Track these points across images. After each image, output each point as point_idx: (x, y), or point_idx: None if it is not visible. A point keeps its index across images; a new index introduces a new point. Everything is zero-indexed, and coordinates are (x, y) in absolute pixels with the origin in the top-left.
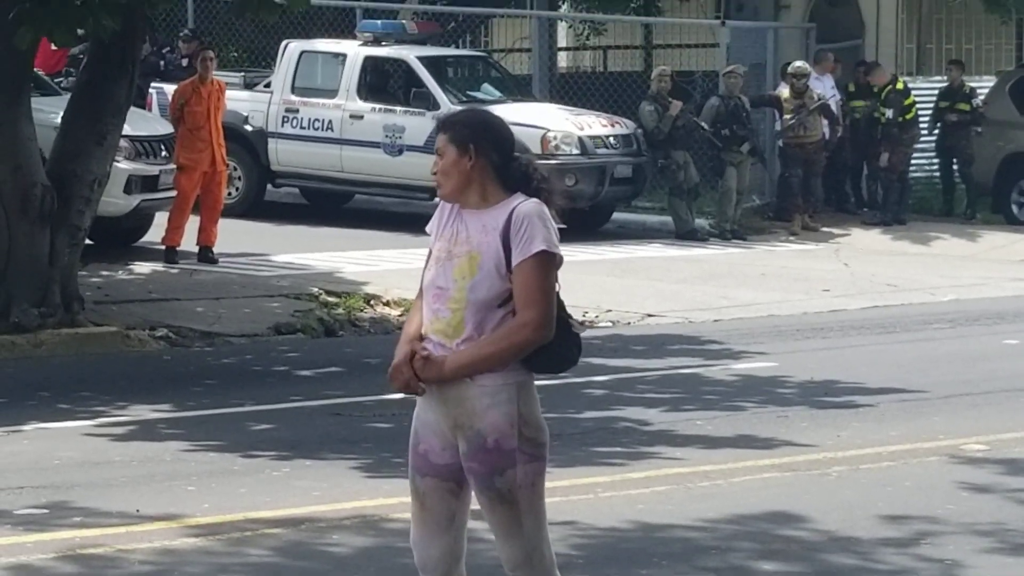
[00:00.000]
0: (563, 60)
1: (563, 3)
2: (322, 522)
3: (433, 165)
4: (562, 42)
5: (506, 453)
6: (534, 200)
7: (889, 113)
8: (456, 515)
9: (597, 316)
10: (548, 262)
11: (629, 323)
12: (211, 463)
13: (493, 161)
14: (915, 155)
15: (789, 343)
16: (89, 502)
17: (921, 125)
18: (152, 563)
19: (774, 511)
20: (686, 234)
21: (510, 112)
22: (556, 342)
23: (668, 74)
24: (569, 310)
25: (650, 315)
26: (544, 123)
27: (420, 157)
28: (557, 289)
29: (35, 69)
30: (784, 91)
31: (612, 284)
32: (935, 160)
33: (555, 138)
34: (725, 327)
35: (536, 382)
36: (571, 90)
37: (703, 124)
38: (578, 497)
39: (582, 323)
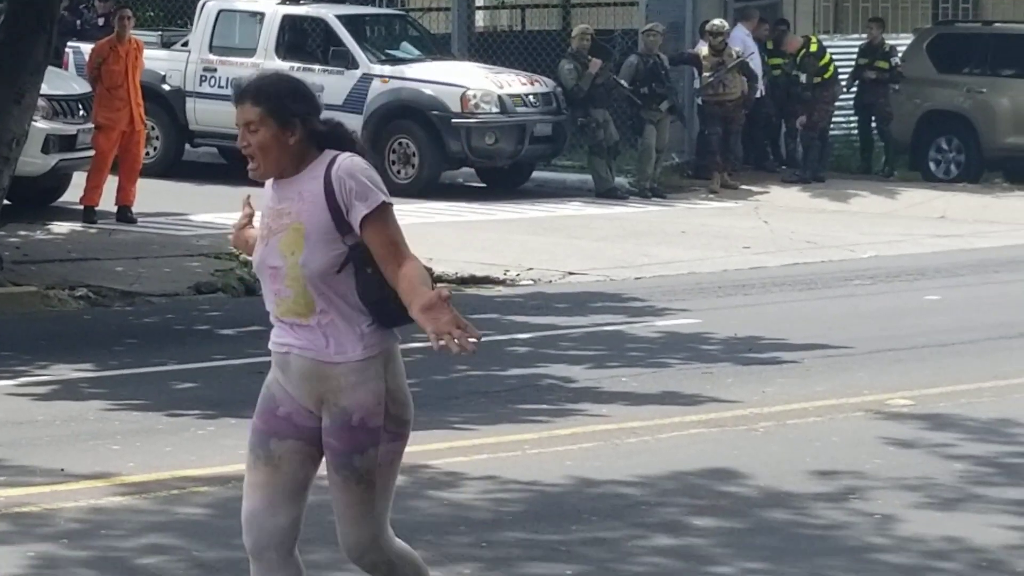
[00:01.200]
0: (481, 19)
1: None
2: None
3: (240, 139)
4: (480, 1)
5: (371, 431)
6: (344, 155)
7: (803, 77)
8: (308, 484)
9: (518, 274)
10: (389, 210)
11: (551, 281)
12: (136, 422)
13: (311, 130)
14: (834, 113)
15: (711, 300)
16: (14, 461)
17: (841, 82)
18: (81, 521)
19: (704, 467)
20: (606, 192)
21: (429, 71)
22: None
23: (589, 32)
24: (491, 268)
25: (571, 273)
26: (463, 82)
27: (340, 116)
28: None
29: None
30: (703, 49)
31: (533, 242)
32: (853, 118)
33: (475, 96)
34: (647, 284)
35: (405, 345)
36: (490, 49)
37: (622, 82)
38: (505, 454)
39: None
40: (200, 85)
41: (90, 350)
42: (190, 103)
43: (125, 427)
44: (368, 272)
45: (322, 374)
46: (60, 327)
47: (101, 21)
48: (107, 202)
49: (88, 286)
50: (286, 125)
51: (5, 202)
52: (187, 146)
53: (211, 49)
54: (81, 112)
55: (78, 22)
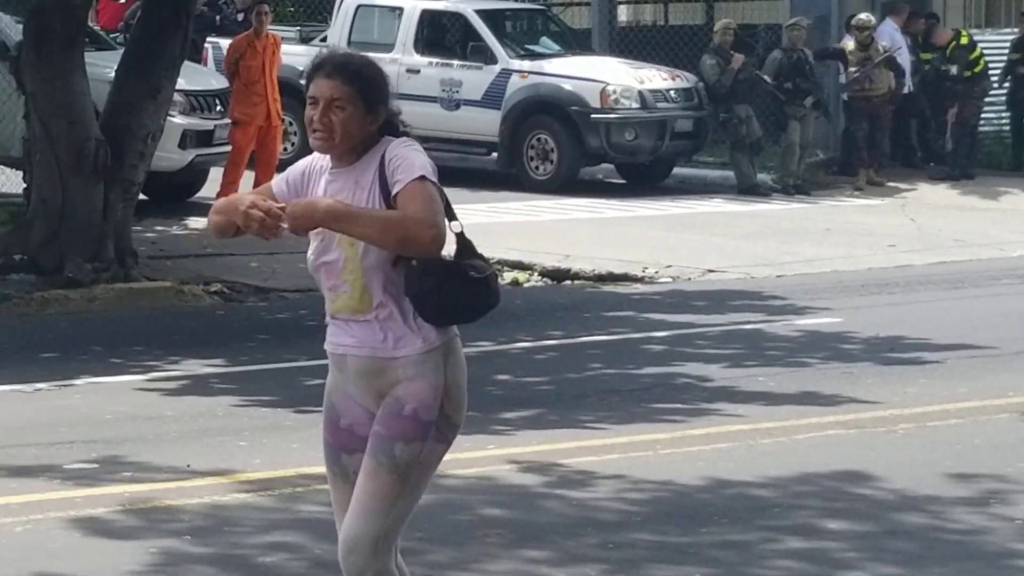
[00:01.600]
0: (623, 14)
1: None
2: None
3: (319, 114)
4: None
5: (422, 424)
6: (400, 139)
7: (954, 69)
8: None
9: (657, 272)
10: (428, 183)
11: (689, 279)
12: (263, 418)
13: (388, 118)
14: (984, 109)
15: (854, 299)
16: (140, 457)
17: (992, 78)
18: (204, 517)
19: (840, 469)
20: (748, 189)
21: (569, 66)
22: (452, 287)
23: (732, 27)
24: (629, 265)
25: (711, 271)
26: (604, 77)
27: (478, 112)
28: (460, 231)
29: (101, 27)
30: (849, 44)
31: (672, 239)
32: (1005, 114)
33: (615, 92)
34: (788, 283)
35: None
36: (631, 44)
37: (766, 77)
38: (637, 454)
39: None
40: None
41: (222, 345)
42: None
43: (253, 423)
44: (412, 264)
45: (380, 370)
46: (193, 322)
47: (240, 16)
48: None
49: (222, 281)
50: (371, 110)
51: (141, 197)
52: None
53: (349, 44)
54: (218, 107)
55: (217, 17)
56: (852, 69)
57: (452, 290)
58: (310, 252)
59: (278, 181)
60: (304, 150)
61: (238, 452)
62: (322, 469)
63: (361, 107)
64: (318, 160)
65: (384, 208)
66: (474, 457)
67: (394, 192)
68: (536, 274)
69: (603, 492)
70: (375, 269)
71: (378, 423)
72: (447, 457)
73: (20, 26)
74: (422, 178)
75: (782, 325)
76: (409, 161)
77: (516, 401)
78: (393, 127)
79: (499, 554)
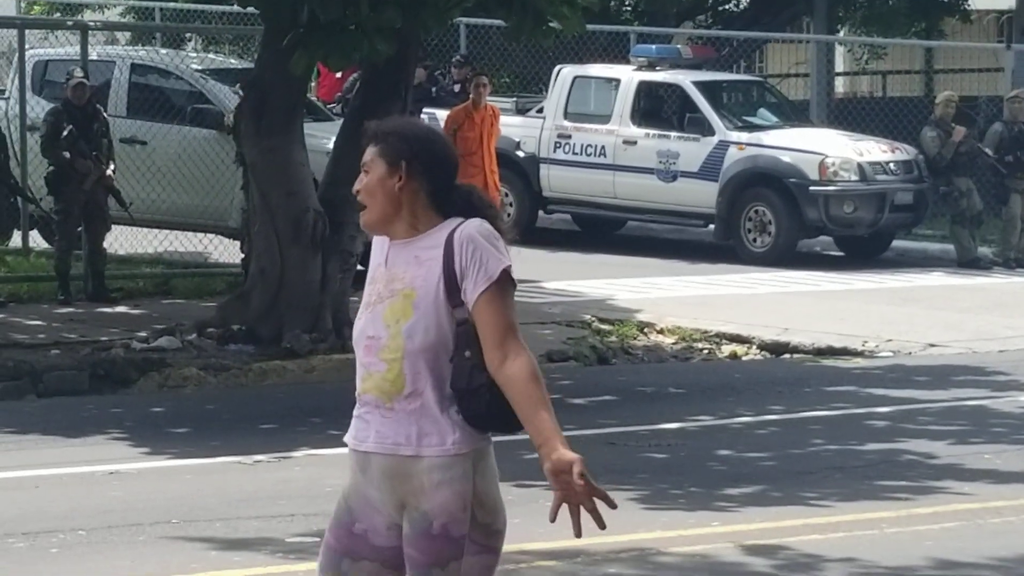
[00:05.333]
0: (840, 85)
1: (841, 28)
2: (596, 555)
3: (357, 182)
4: (840, 67)
5: (454, 541)
6: (474, 220)
7: None
8: None
9: (877, 346)
10: (510, 283)
11: (911, 353)
12: None
13: (427, 184)
14: None
15: None
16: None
17: None
18: None
19: None
20: (969, 262)
21: (787, 138)
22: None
23: (955, 99)
24: (849, 339)
25: (932, 345)
26: (822, 149)
27: (695, 183)
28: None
29: (319, 99)
30: None
31: (893, 313)
32: None
33: (833, 164)
34: (1011, 358)
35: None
36: (849, 115)
37: (987, 150)
38: (862, 532)
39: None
40: (554, 152)
41: None
42: (544, 169)
43: None
44: (466, 356)
45: (404, 472)
46: None
47: (457, 87)
48: None
49: None
50: (393, 169)
51: (359, 268)
52: (541, 212)
53: (566, 116)
54: None
55: (434, 89)
56: None
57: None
58: (356, 324)
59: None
60: (519, 221)
61: None
62: (542, 545)
63: (383, 164)
64: None
65: (443, 287)
66: (697, 535)
67: (474, 294)
68: (755, 347)
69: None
70: (417, 354)
71: (409, 544)
72: (670, 534)
73: (236, 97)
74: (503, 274)
75: (1007, 401)
76: (484, 254)
77: (738, 477)
78: (462, 205)
79: None
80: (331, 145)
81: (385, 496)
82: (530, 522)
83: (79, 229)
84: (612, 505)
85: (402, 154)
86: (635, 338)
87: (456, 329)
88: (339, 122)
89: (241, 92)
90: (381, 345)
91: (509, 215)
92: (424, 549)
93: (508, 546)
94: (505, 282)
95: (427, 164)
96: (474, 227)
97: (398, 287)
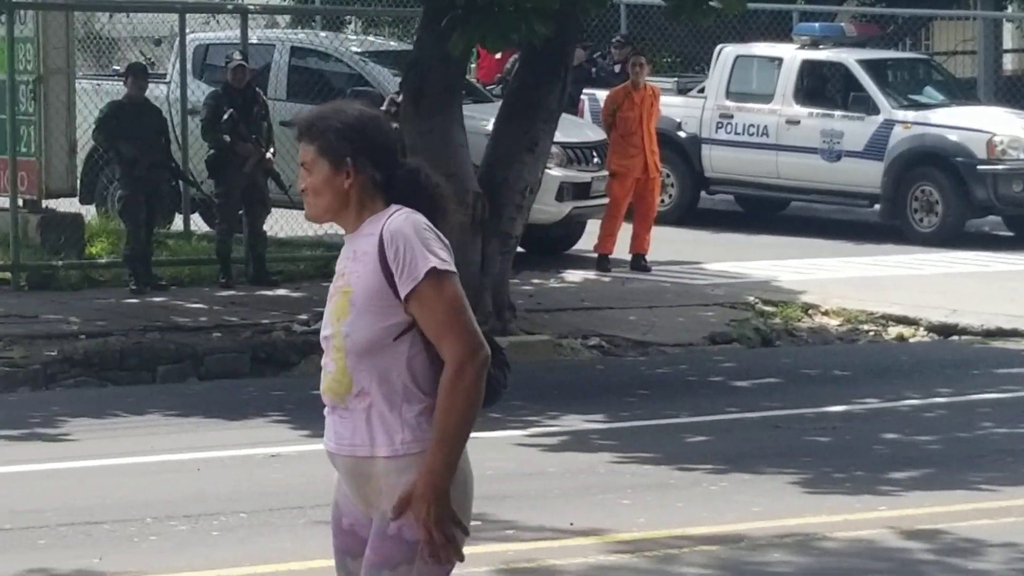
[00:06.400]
0: (1009, 62)
1: (1009, 4)
2: (760, 539)
3: (300, 180)
4: (1008, 44)
5: (407, 544)
6: (404, 211)
7: None
8: None
9: None
10: (443, 279)
11: None
12: (646, 476)
13: (374, 174)
14: None
15: None
16: (521, 514)
17: None
18: None
19: None
20: None
21: (954, 116)
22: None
23: None
24: (1019, 320)
25: None
26: (990, 127)
27: (860, 163)
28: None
29: (478, 80)
30: None
31: None
32: None
33: (1002, 142)
34: None
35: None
36: (1018, 93)
37: None
38: None
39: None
40: (716, 132)
41: (602, 400)
42: (706, 150)
43: (635, 480)
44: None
45: (363, 472)
46: (572, 376)
47: (617, 68)
48: (621, 250)
49: (601, 335)
50: (338, 167)
51: (518, 250)
52: (703, 193)
53: (728, 95)
54: (595, 159)
55: (593, 69)
56: None
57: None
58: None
59: None
60: (680, 202)
61: (621, 510)
62: (704, 530)
63: (326, 164)
64: None
65: (383, 282)
66: (862, 519)
67: (405, 293)
68: (922, 329)
69: (996, 561)
70: (358, 349)
71: (368, 546)
72: (835, 518)
73: (396, 79)
74: (431, 272)
75: None
76: (410, 252)
77: (905, 461)
78: (401, 189)
79: None
80: (490, 127)
81: (353, 494)
82: (693, 506)
83: (240, 212)
84: (460, 557)
85: (345, 151)
86: (799, 320)
87: (414, 323)
88: (498, 104)
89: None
90: (330, 344)
91: (671, 196)
92: (376, 548)
93: (670, 530)
94: (433, 279)
95: (371, 155)
96: (401, 221)
97: (340, 284)
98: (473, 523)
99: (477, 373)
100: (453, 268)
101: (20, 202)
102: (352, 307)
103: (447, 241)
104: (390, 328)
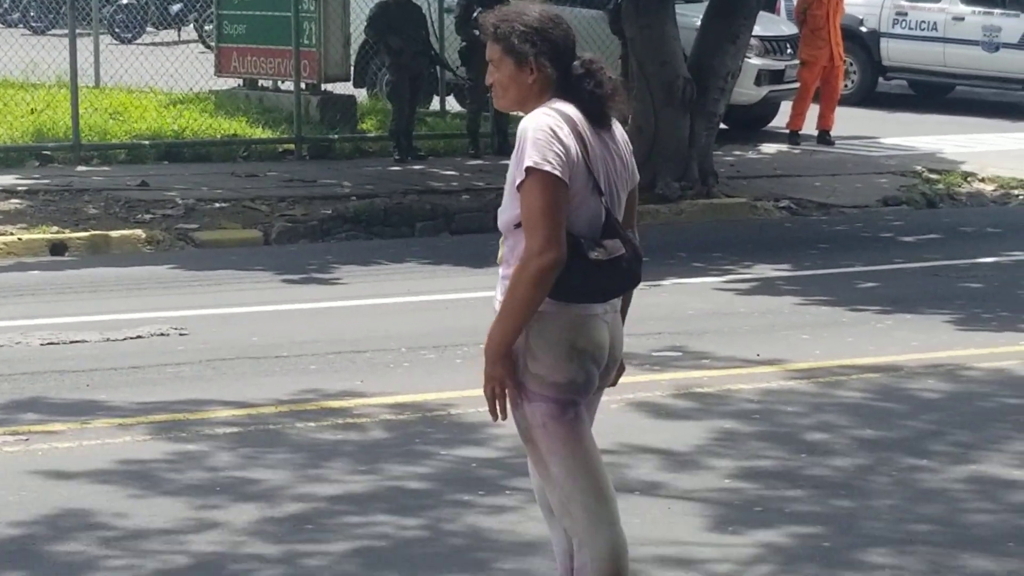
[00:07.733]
0: None
1: None
2: (915, 368)
3: (488, 74)
4: None
5: (520, 386)
6: (542, 109)
7: None
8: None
9: None
10: (539, 180)
11: None
12: (823, 315)
13: (554, 71)
14: None
15: None
16: (716, 346)
17: None
18: (754, 401)
19: None
20: None
21: None
22: (568, 263)
23: None
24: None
25: None
26: None
27: (1015, 53)
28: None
29: None
30: None
31: None
32: None
33: None
34: None
35: None
36: None
37: None
38: None
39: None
40: (893, 27)
41: (788, 253)
42: (884, 42)
43: (814, 319)
44: None
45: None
46: (764, 233)
47: None
48: (809, 127)
49: (790, 198)
50: (522, 66)
51: (722, 127)
52: (880, 79)
53: None
54: (788, 50)
55: None
56: None
57: (567, 266)
58: None
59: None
60: (861, 86)
61: (800, 344)
62: (868, 360)
63: (511, 63)
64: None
65: (513, 173)
66: (1004, 352)
67: (516, 186)
68: None
69: None
70: (505, 230)
71: None
72: (982, 351)
73: None
74: (528, 170)
75: None
76: (523, 149)
77: None
78: (576, 88)
79: (1017, 436)
80: (699, 22)
81: None
82: (861, 340)
83: (487, 94)
84: (503, 414)
85: (528, 51)
86: (959, 186)
87: None
88: (706, 3)
89: None
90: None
91: (853, 82)
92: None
93: (838, 360)
94: (533, 177)
95: (551, 54)
96: (529, 119)
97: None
98: (671, 354)
99: (539, 270)
100: (554, 170)
101: (303, 85)
102: (505, 192)
103: (581, 144)
104: (516, 216)
